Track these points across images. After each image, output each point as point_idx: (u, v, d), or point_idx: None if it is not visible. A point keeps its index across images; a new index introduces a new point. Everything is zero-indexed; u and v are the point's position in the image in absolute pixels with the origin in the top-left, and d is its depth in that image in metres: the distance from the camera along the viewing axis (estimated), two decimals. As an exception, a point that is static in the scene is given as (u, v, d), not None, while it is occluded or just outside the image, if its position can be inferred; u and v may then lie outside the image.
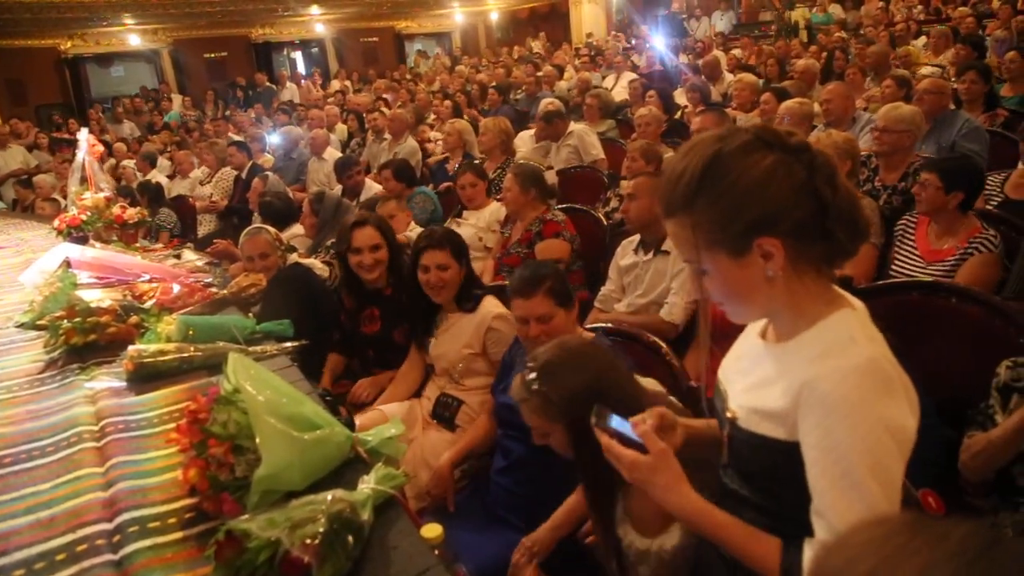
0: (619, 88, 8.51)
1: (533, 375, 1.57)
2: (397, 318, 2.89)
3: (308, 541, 1.08)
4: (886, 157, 3.61)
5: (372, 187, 5.39)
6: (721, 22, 14.51)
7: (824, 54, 8.03)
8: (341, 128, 8.51)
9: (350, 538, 1.15)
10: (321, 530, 1.10)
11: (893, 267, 2.98)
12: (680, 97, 6.93)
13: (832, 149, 3.17)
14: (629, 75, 8.81)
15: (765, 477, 1.16)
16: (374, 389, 2.82)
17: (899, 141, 3.53)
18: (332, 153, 6.64)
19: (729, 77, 7.60)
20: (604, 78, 9.51)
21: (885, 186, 3.59)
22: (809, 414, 1.06)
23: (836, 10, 12.17)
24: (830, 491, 1.05)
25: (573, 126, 5.58)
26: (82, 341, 2.17)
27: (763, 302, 1.13)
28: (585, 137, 5.43)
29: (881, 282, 2.60)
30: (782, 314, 1.16)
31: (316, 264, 3.16)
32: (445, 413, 2.54)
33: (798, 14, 11.92)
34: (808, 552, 1.08)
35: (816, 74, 6.55)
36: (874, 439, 1.03)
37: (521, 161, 4.47)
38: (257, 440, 1.25)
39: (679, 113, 6.49)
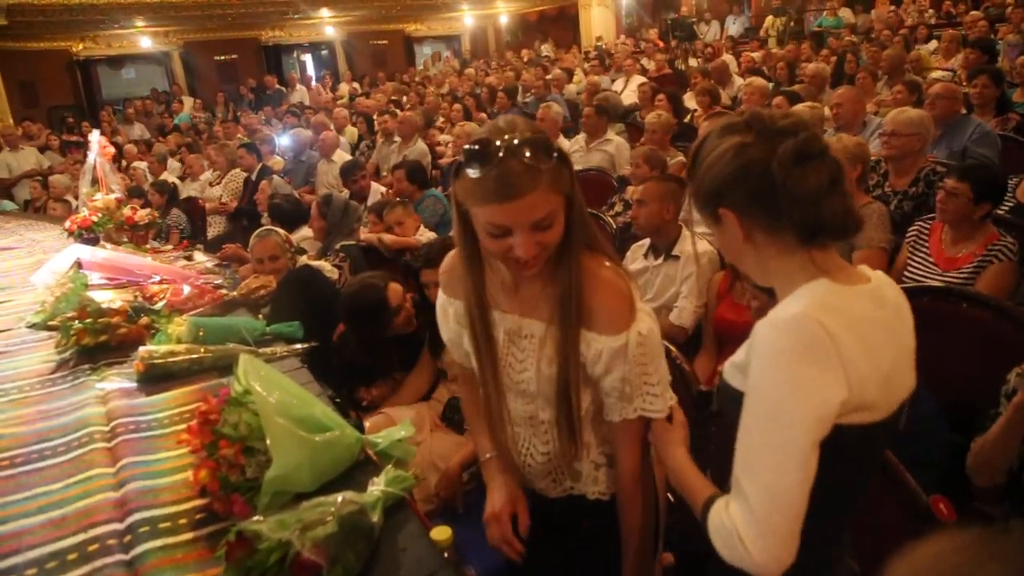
0: (628, 91, 8.50)
1: (522, 137, 1.19)
2: (408, 345, 2.83)
3: (319, 543, 1.08)
4: (895, 162, 3.59)
5: (378, 190, 5.41)
6: (734, 26, 14.50)
7: (834, 58, 8.00)
8: (351, 131, 8.53)
9: (360, 540, 1.15)
10: (332, 532, 1.11)
11: (907, 273, 2.95)
12: (690, 101, 6.92)
13: (842, 153, 3.16)
14: (639, 78, 8.80)
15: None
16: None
17: (907, 145, 3.50)
18: (341, 156, 6.65)
19: (739, 81, 7.59)
20: (613, 81, 9.50)
21: (895, 191, 3.57)
22: (750, 361, 1.13)
23: (846, 14, 12.14)
24: (741, 434, 1.12)
25: (614, 136, 5.63)
26: (93, 342, 2.19)
27: (752, 265, 1.21)
28: (625, 151, 5.50)
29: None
30: (773, 282, 1.21)
31: (325, 266, 3.17)
32: (455, 416, 2.55)
33: (780, 22, 12.05)
34: (720, 504, 1.15)
35: (826, 78, 6.53)
36: (777, 393, 1.07)
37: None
38: (268, 441, 1.25)
39: (688, 117, 6.49)
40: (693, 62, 11.10)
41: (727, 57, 9.65)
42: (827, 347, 1.05)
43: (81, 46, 14.19)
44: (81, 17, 12.60)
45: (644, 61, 10.86)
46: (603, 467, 1.50)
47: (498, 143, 1.18)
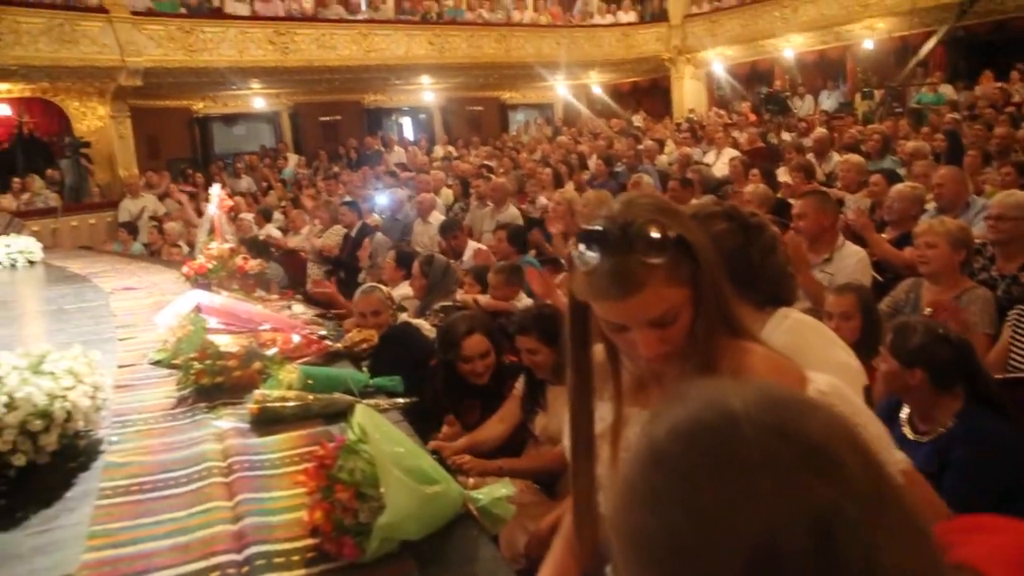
0: (720, 164, 8.53)
1: (635, 228, 1.08)
2: (495, 404, 2.95)
3: None
4: (1003, 246, 3.49)
5: (471, 246, 5.59)
6: (828, 101, 14.39)
7: (936, 135, 7.84)
8: (446, 192, 8.82)
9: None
10: None
11: (1011, 361, 2.85)
12: (783, 175, 6.89)
13: (945, 237, 3.10)
14: (730, 151, 8.83)
15: None
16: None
17: (1016, 229, 3.40)
18: (437, 217, 6.90)
19: (836, 157, 7.52)
20: (705, 153, 9.55)
21: (1003, 276, 3.46)
22: None
23: (947, 90, 11.89)
24: None
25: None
26: (210, 382, 2.33)
27: None
28: None
29: (999, 376, 2.50)
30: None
31: (424, 325, 3.28)
32: (545, 479, 2.57)
33: (869, 104, 11.98)
34: None
35: (927, 156, 6.41)
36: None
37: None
38: (382, 489, 1.32)
39: (780, 191, 6.44)
40: (786, 136, 11.05)
41: (822, 130, 9.56)
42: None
43: (201, 104, 15.25)
44: (205, 79, 13.58)
45: (736, 134, 10.88)
46: None
47: (610, 233, 1.08)
